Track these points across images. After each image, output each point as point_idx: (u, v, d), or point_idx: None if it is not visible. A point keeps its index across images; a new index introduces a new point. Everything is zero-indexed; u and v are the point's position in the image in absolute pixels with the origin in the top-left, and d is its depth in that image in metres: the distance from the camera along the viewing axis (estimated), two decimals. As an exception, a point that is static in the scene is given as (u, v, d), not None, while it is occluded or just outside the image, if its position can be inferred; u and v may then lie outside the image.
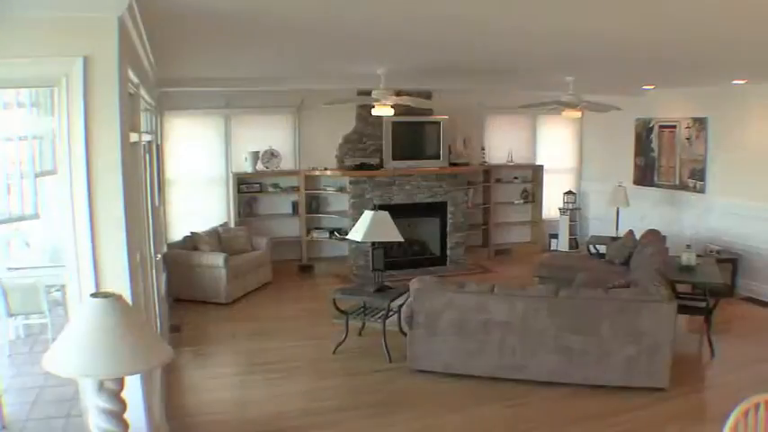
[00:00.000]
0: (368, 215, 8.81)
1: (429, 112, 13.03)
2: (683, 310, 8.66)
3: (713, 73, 9.78)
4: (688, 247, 9.76)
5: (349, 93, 11.35)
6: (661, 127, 13.46)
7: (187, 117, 12.12)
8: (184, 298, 10.67)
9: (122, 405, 3.33)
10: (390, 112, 9.70)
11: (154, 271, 7.06)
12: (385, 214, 8.87)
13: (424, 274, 10.84)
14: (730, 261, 11.53)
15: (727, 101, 11.80)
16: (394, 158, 12.94)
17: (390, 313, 8.50)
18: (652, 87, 12.95)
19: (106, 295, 3.21)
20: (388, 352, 8.28)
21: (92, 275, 3.93)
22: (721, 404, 6.78)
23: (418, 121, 13.12)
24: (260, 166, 12.49)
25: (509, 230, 15.25)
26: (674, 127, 13.09)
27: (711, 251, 11.58)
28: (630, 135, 14.22)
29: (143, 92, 6.32)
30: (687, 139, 12.80)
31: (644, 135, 13.90)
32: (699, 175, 12.59)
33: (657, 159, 13.61)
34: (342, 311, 8.65)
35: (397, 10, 4.86)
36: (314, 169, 12.77)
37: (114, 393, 3.29)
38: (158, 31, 5.35)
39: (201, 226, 11.54)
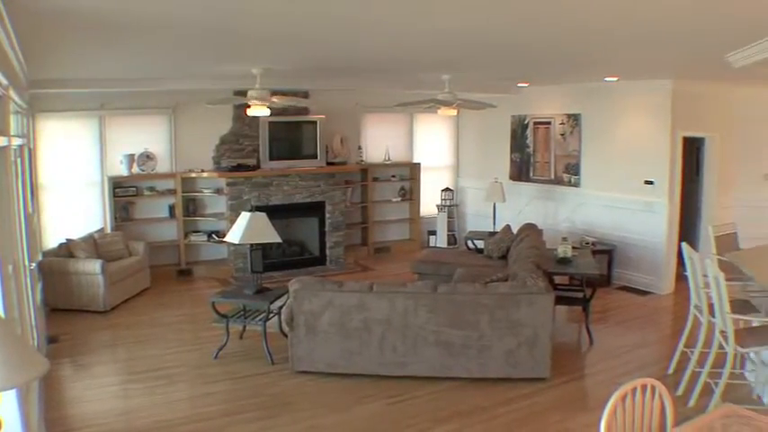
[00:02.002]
0: (245, 217, 8.76)
1: (306, 111, 13.04)
2: (561, 301, 8.99)
3: (586, 70, 10.06)
4: (564, 239, 10.02)
5: (225, 93, 11.19)
6: (536, 123, 13.78)
7: (61, 119, 11.70)
8: (61, 307, 10.36)
9: (-2, 422, 3.23)
10: (266, 112, 9.66)
11: (28, 280, 6.87)
12: (262, 215, 8.84)
13: (304, 274, 10.83)
14: (606, 252, 11.97)
15: (600, 97, 12.22)
16: (271, 159, 12.88)
17: (270, 315, 8.50)
18: (527, 85, 13.23)
19: (-22, 308, 3.10)
20: (270, 354, 8.27)
21: (-38, 288, 3.80)
22: (601, 391, 7.04)
23: (295, 120, 13.14)
24: (135, 170, 12.21)
25: (388, 228, 15.42)
26: (549, 123, 13.42)
27: (587, 243, 11.96)
28: (506, 132, 14.53)
29: (13, 93, 6.13)
30: (561, 134, 13.15)
31: (519, 131, 14.20)
32: (573, 169, 12.94)
33: (533, 155, 13.94)
34: (222, 315, 8.54)
35: (272, 9, 4.83)
36: (190, 171, 12.60)
37: (-11, 410, 3.19)
38: (28, 31, 5.19)
39: (77, 232, 11.21)
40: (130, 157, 12.13)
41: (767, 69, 7.20)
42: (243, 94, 9.55)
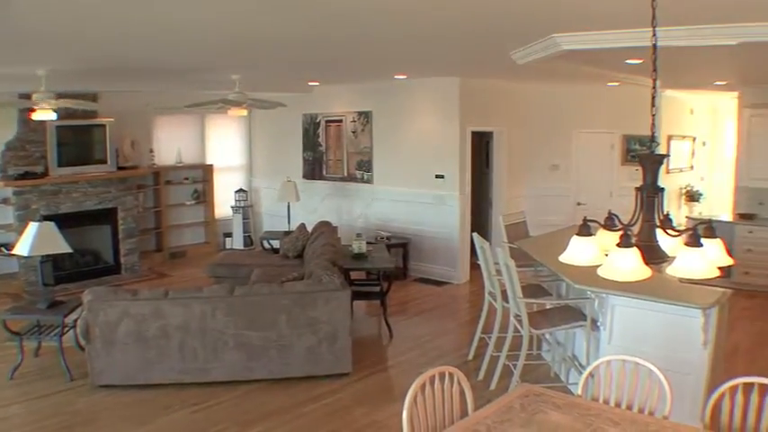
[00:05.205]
0: (33, 227, 8.45)
1: (94, 114, 12.66)
2: (358, 296, 9.32)
3: (375, 69, 10.35)
4: (358, 235, 10.31)
5: (10, 96, 10.67)
6: (328, 122, 14.07)
7: None
8: None
9: None
10: (53, 115, 9.36)
11: None
12: (50, 225, 8.56)
13: (99, 284, 10.62)
14: (401, 245, 12.41)
15: (390, 95, 12.68)
16: (60, 165, 12.39)
17: (66, 329, 8.26)
18: (318, 84, 13.40)
19: None
20: (68, 370, 8.03)
21: None
22: (404, 381, 7.33)
23: (83, 124, 12.68)
24: None
25: (183, 232, 15.27)
26: (341, 121, 13.73)
27: (382, 238, 12.35)
28: (298, 131, 14.78)
29: None
30: (353, 132, 13.46)
31: (311, 130, 14.45)
32: (366, 166, 13.28)
33: (325, 153, 14.20)
34: (14, 333, 8.22)
35: (53, 7, 4.72)
36: (-27, 182, 11.96)
37: None
38: None
39: None
40: None
41: (547, 66, 7.69)
42: (27, 97, 9.21)
